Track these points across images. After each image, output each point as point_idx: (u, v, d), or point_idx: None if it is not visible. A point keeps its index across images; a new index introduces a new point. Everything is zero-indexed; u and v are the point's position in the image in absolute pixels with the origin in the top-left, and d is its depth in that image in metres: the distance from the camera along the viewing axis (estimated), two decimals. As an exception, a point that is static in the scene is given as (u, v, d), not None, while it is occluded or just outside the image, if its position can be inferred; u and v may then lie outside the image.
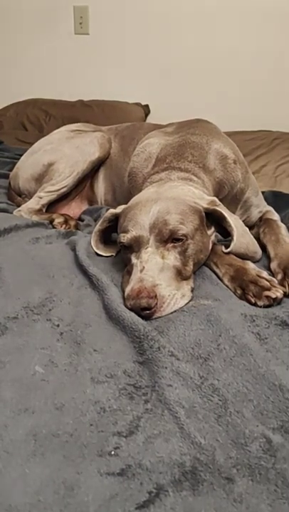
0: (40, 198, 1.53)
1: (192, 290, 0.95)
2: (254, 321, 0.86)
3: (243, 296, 0.94)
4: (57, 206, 1.60)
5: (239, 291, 0.96)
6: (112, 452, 0.57)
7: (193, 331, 0.81)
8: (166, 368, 0.70)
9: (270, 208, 1.39)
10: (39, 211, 1.52)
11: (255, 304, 0.92)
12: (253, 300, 0.92)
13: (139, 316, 0.84)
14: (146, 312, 0.85)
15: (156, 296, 0.86)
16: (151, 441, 0.58)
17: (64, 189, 1.56)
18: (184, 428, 0.60)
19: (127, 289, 0.89)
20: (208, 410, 0.63)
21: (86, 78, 2.97)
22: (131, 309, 0.85)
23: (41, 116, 2.75)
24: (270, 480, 0.54)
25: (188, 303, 0.90)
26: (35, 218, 1.46)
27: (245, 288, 0.95)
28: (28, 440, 0.58)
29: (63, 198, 1.60)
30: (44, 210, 1.55)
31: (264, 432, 0.60)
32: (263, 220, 1.33)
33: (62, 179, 1.54)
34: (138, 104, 2.92)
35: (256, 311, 0.89)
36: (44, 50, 3.00)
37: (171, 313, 0.88)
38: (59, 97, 2.91)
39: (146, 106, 2.96)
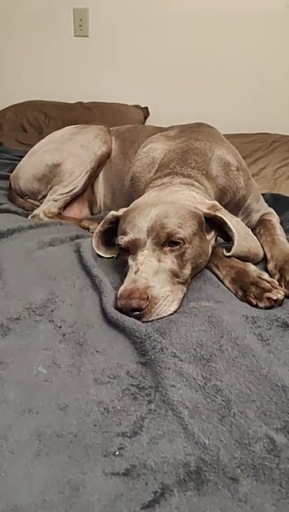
0: (56, 200, 1.53)
1: (185, 295, 0.95)
2: (256, 322, 0.86)
3: (244, 298, 0.95)
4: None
5: (240, 293, 0.96)
6: (117, 452, 0.57)
7: (195, 333, 0.82)
8: (169, 368, 0.71)
9: (271, 210, 1.40)
10: (59, 214, 1.53)
11: (256, 306, 0.92)
12: (254, 302, 0.93)
13: (129, 317, 0.84)
14: (135, 313, 0.85)
15: (148, 298, 0.86)
16: (156, 442, 0.58)
17: (76, 189, 1.56)
18: (187, 428, 0.60)
19: (120, 289, 0.89)
20: (212, 411, 0.63)
21: (86, 80, 2.97)
22: (120, 309, 0.85)
23: (41, 118, 2.75)
24: (275, 480, 0.54)
25: (178, 308, 0.90)
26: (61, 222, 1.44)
27: (246, 290, 0.95)
28: (32, 440, 0.58)
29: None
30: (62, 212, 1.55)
31: (268, 432, 0.60)
32: (259, 221, 1.34)
33: (73, 179, 1.54)
34: (137, 107, 2.92)
35: (257, 313, 0.89)
36: (44, 52, 3.00)
37: (163, 317, 0.87)
38: (59, 99, 2.90)
39: (146, 108, 2.96)
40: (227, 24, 2.80)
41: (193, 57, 2.88)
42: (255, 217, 1.35)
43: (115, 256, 1.14)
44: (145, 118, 2.95)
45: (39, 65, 3.03)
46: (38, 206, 1.57)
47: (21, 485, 0.53)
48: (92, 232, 1.31)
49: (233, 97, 2.89)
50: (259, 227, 1.28)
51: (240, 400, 0.66)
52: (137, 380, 0.70)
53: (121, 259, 1.07)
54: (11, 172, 1.75)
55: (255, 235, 1.23)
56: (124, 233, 0.99)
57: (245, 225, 1.25)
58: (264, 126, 2.76)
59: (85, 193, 1.64)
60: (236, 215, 1.28)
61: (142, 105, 2.95)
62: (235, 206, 1.27)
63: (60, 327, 0.85)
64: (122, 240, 0.98)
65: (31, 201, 1.63)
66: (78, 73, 3.00)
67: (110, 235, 1.16)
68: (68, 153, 1.56)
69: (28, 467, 0.55)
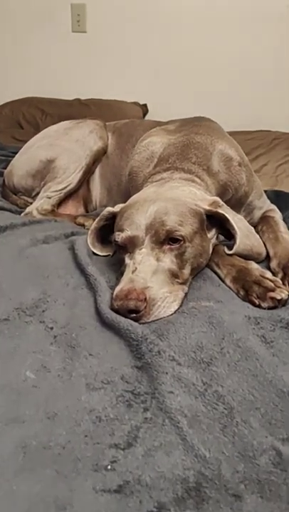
0: (49, 197, 1.48)
1: (186, 296, 0.91)
2: (258, 323, 0.82)
3: (246, 298, 0.91)
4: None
5: (242, 293, 0.92)
6: (109, 466, 0.52)
7: (194, 334, 0.77)
8: (166, 373, 0.66)
9: (273, 207, 1.35)
10: (53, 212, 1.48)
11: (259, 306, 0.88)
12: (256, 301, 0.89)
13: (126, 318, 0.80)
14: (133, 315, 0.81)
15: (145, 299, 0.82)
16: (152, 454, 0.53)
17: (71, 186, 1.50)
18: (186, 439, 0.55)
19: (116, 290, 0.85)
20: (213, 420, 0.58)
21: (83, 77, 2.94)
22: (117, 311, 0.81)
23: (37, 115, 2.70)
24: (282, 497, 0.50)
25: (178, 309, 0.86)
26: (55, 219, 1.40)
27: (248, 289, 0.91)
28: (16, 453, 0.53)
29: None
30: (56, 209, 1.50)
31: (273, 443, 0.55)
32: (262, 218, 1.30)
33: (68, 176, 1.49)
34: (136, 104, 2.88)
35: (260, 313, 0.85)
36: (41, 48, 2.96)
37: (161, 318, 0.83)
38: (56, 96, 2.86)
39: (145, 105, 2.92)
40: (227, 22, 2.78)
41: (193, 54, 2.85)
42: (258, 214, 1.31)
43: (111, 254, 1.10)
44: (144, 115, 2.90)
45: (36, 61, 2.98)
46: (31, 203, 1.52)
47: (2, 504, 0.48)
48: (88, 229, 1.26)
49: (234, 95, 2.86)
50: (261, 224, 1.24)
51: (243, 407, 0.61)
52: (132, 386, 0.65)
53: (117, 257, 1.03)
54: (6, 168, 1.70)
55: (257, 232, 1.19)
56: (122, 230, 0.94)
57: (248, 221, 1.21)
58: (264, 124, 2.72)
59: (80, 190, 1.59)
60: (238, 212, 1.24)
61: (141, 102, 2.92)
62: (237, 203, 1.23)
63: (52, 328, 0.80)
64: (119, 237, 0.94)
65: (25, 198, 1.59)
66: (76, 70, 2.95)
67: (106, 232, 1.11)
68: (63, 149, 1.51)
69: (11, 483, 0.50)
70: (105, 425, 0.58)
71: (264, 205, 1.33)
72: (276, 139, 2.54)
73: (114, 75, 2.92)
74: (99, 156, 1.58)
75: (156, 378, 0.65)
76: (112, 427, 0.57)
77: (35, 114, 2.71)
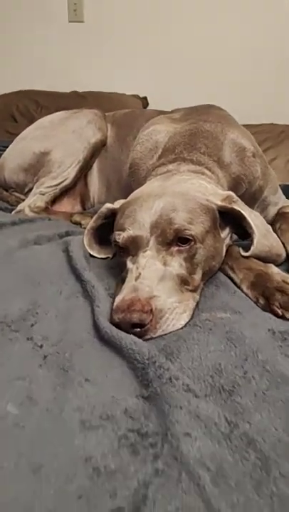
0: (43, 194, 1.36)
1: (197, 305, 0.79)
2: (285, 339, 0.70)
3: (268, 307, 0.79)
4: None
5: (262, 301, 0.81)
6: None
7: (210, 354, 0.65)
8: (180, 408, 0.53)
9: (289, 202, 1.23)
10: (47, 209, 1.35)
11: (282, 317, 0.77)
12: (279, 312, 0.78)
13: (128, 333, 0.68)
14: (137, 330, 0.69)
15: (151, 310, 0.70)
16: (166, 526, 0.41)
17: (66, 181, 1.39)
18: (211, 503, 0.42)
19: (117, 300, 0.73)
20: (243, 474, 0.45)
21: (81, 68, 2.82)
22: (118, 325, 0.69)
23: (32, 107, 2.57)
24: None
25: (189, 321, 0.75)
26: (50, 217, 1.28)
27: (269, 297, 0.80)
28: (-12, 525, 0.41)
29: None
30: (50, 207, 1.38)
31: None
32: (279, 215, 1.19)
33: (63, 170, 1.38)
34: (136, 96, 2.77)
35: (286, 326, 0.74)
36: (36, 38, 2.83)
37: (169, 333, 0.72)
38: (52, 88, 2.74)
39: (145, 98, 2.80)
40: (230, 11, 2.70)
41: (195, 44, 2.75)
42: (273, 210, 1.19)
43: (110, 256, 0.98)
44: (144, 108, 2.78)
45: (31, 52, 2.86)
46: (24, 200, 1.40)
47: None
48: (85, 228, 1.14)
49: (236, 87, 2.75)
50: (280, 222, 1.12)
51: (278, 453, 0.48)
52: (137, 423, 0.52)
53: (118, 260, 0.91)
54: (-4, 162, 1.58)
55: (274, 230, 1.07)
56: (123, 229, 0.83)
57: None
58: (269, 117, 2.62)
59: (77, 186, 1.48)
60: (251, 208, 1.12)
61: (141, 95, 2.80)
62: (251, 198, 1.11)
63: (41, 346, 0.68)
64: (120, 237, 0.82)
65: (17, 194, 1.47)
66: (73, 61, 2.84)
67: (105, 231, 1.00)
68: (58, 141, 1.39)
69: None
70: (105, 481, 0.45)
71: (279, 200, 1.22)
72: (283, 132, 2.44)
73: (113, 66, 2.81)
74: (97, 149, 1.46)
75: (167, 414, 0.52)
76: (114, 483, 0.44)
77: (30, 107, 2.59)
